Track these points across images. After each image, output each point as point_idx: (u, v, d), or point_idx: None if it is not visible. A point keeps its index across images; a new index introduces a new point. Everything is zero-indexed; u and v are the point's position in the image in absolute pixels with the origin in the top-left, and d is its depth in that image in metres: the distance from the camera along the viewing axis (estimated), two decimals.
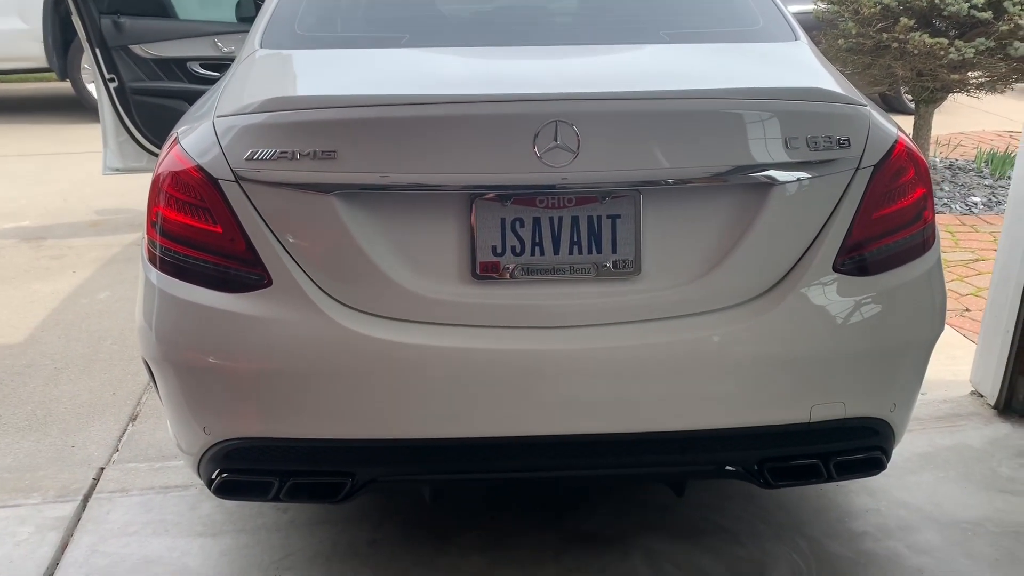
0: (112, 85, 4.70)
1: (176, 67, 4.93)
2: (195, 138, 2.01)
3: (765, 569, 2.31)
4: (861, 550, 2.38)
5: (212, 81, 5.14)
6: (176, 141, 2.07)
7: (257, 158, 1.90)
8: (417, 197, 1.91)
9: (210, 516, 2.53)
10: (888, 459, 2.11)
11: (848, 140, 1.95)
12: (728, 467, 2.03)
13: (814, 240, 1.96)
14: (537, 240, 1.92)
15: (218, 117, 1.99)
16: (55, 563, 2.34)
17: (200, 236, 1.97)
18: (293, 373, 1.92)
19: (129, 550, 2.39)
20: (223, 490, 2.07)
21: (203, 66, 5.00)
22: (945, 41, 5.18)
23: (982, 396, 3.12)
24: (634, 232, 1.92)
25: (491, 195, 1.89)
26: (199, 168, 1.96)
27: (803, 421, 1.97)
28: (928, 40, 5.18)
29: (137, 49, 4.76)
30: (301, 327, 1.90)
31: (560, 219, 1.92)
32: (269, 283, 1.92)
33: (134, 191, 5.91)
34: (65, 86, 8.75)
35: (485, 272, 1.91)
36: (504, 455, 1.96)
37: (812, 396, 1.96)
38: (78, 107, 8.47)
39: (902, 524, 2.48)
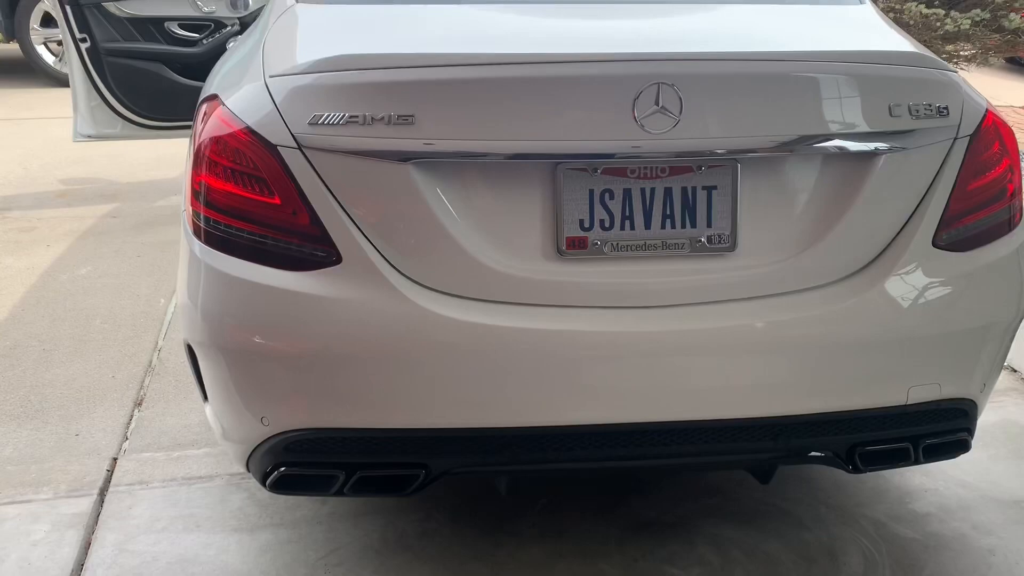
0: (84, 46, 4.40)
1: (153, 27, 4.64)
2: (244, 100, 1.83)
3: (835, 554, 2.23)
4: (928, 532, 2.31)
5: (191, 43, 4.89)
6: (218, 102, 1.88)
7: (323, 123, 1.72)
8: (500, 167, 1.75)
9: (242, 509, 2.36)
10: (972, 440, 2.04)
11: (947, 108, 1.85)
12: (818, 453, 1.94)
13: (912, 214, 1.86)
14: (627, 213, 1.78)
15: (272, 77, 1.80)
16: (80, 564, 2.16)
17: (255, 208, 1.79)
18: (366, 358, 1.76)
19: (160, 548, 2.21)
20: (280, 485, 1.90)
21: (182, 26, 4.73)
22: (941, 12, 5.15)
23: (1016, 371, 3.10)
24: (731, 205, 1.79)
25: (580, 164, 1.75)
26: (252, 133, 1.77)
27: (899, 404, 1.88)
28: (924, 10, 5.14)
29: (111, 7, 4.46)
30: (375, 308, 1.74)
31: (652, 190, 1.78)
32: (338, 260, 1.75)
33: (99, 159, 5.60)
34: (12, 48, 8.28)
35: (572, 248, 1.77)
36: (589, 444, 1.83)
37: (910, 377, 1.87)
38: (27, 71, 8.03)
39: (962, 504, 2.43)
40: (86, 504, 2.37)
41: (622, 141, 1.72)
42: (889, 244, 1.85)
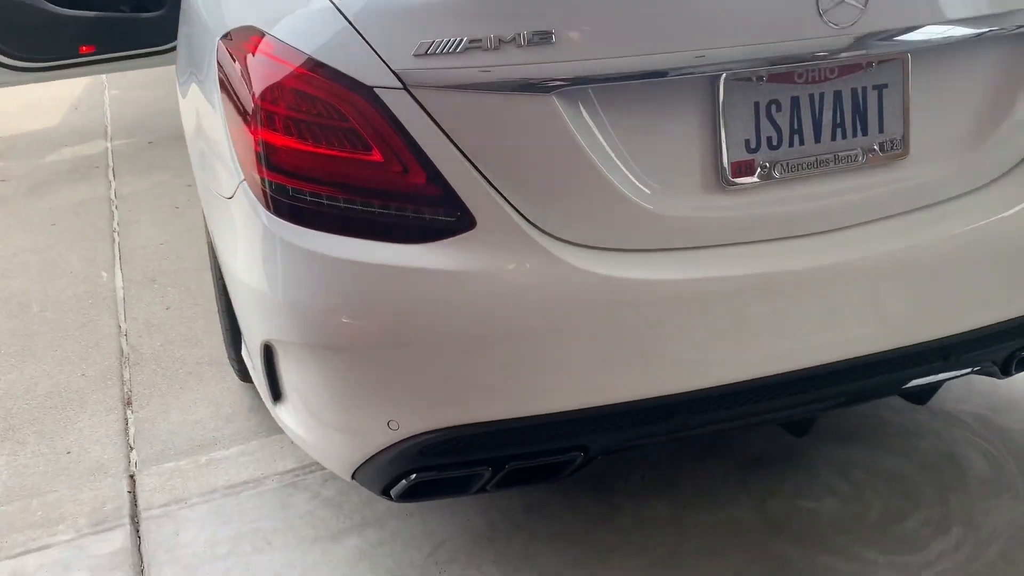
0: None
1: None
2: (309, 29, 1.44)
3: (956, 458, 2.14)
4: None
5: None
6: (260, 36, 1.48)
7: (436, 52, 1.36)
8: (652, 87, 1.44)
9: (312, 513, 2.03)
10: None
11: None
12: (980, 365, 1.79)
13: None
14: (796, 126, 1.52)
15: None
16: None
17: (350, 169, 1.42)
18: (518, 336, 1.45)
19: None
20: (410, 494, 1.61)
21: None
22: None
23: None
24: (902, 104, 1.56)
25: (745, 72, 1.46)
26: (333, 73, 1.39)
27: None
28: None
29: None
30: (525, 277, 1.43)
31: (821, 96, 1.52)
32: (471, 224, 1.42)
33: None
34: None
35: (738, 175, 1.50)
36: (768, 396, 1.61)
37: None
38: None
39: None
40: (121, 539, 1.98)
41: (799, 40, 1.44)
42: None
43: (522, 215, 1.43)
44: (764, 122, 1.50)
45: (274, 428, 2.30)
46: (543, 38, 1.36)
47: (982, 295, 1.66)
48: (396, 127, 1.39)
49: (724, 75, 1.45)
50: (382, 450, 1.54)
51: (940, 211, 1.62)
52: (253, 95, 1.46)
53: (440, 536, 1.95)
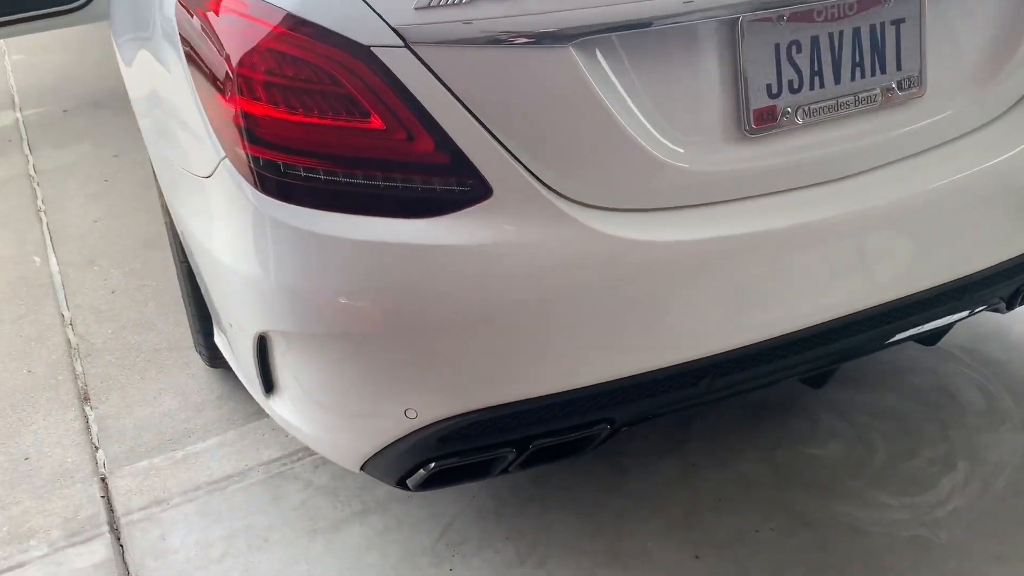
0: None
1: None
2: None
3: (953, 392, 2.14)
4: (1017, 349, 2.27)
5: None
6: None
7: (439, 3, 1.23)
8: (671, 33, 1.34)
9: (307, 503, 1.92)
10: None
11: None
12: (990, 303, 1.77)
13: None
14: (816, 68, 1.44)
15: None
16: None
17: (348, 139, 1.29)
18: (543, 311, 1.35)
19: None
20: (430, 483, 1.51)
21: None
22: None
23: None
24: (918, 39, 1.49)
25: (765, 12, 1.37)
26: (320, 31, 1.25)
27: None
28: None
29: None
30: (547, 247, 1.33)
31: (841, 34, 1.44)
32: (487, 193, 1.30)
33: None
34: None
35: (760, 123, 1.41)
36: (790, 352, 1.54)
37: None
38: None
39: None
40: (102, 549, 1.84)
41: None
42: None
43: (539, 180, 1.32)
44: (785, 65, 1.41)
45: (250, 416, 2.17)
46: None
47: (997, 231, 1.63)
48: (398, 90, 1.26)
49: (744, 17, 1.35)
50: (398, 439, 1.44)
51: (952, 149, 1.56)
52: (229, 61, 1.30)
53: (447, 517, 1.86)
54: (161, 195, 1.89)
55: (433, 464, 1.47)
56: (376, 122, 1.28)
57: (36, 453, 2.13)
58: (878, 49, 1.47)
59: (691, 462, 1.98)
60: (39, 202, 3.28)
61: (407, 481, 1.51)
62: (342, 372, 1.41)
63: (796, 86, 1.43)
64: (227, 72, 1.31)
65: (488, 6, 1.24)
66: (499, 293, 1.32)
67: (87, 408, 2.27)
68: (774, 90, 1.41)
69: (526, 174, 1.31)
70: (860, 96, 1.47)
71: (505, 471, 1.53)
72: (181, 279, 1.97)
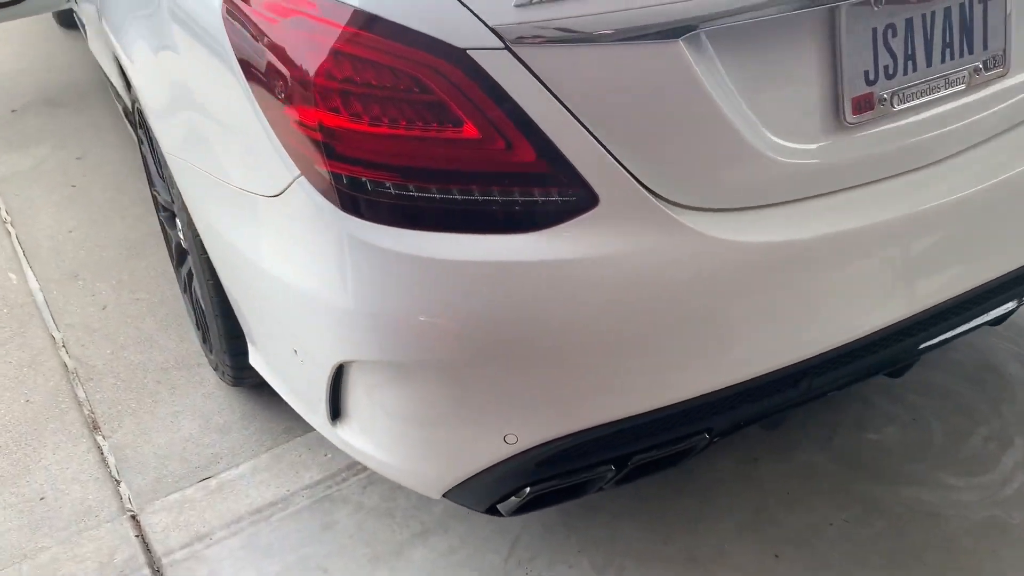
0: None
1: None
2: None
3: (994, 366, 2.13)
4: None
5: None
6: None
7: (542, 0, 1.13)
8: (774, 22, 1.26)
9: (362, 528, 1.81)
10: None
11: None
12: None
13: None
14: (909, 51, 1.38)
15: None
16: None
17: (439, 151, 1.19)
18: (652, 323, 1.27)
19: None
20: (525, 508, 1.42)
21: None
22: None
23: None
24: (1004, 16, 1.44)
25: None
26: (409, 34, 1.14)
27: None
28: None
29: None
30: (657, 256, 1.25)
31: (932, 15, 1.38)
32: (593, 201, 1.21)
33: None
34: None
35: (859, 112, 1.35)
36: (888, 344, 1.50)
37: None
38: None
39: None
40: None
41: None
42: None
43: (642, 184, 1.24)
44: (881, 50, 1.35)
45: (279, 435, 2.05)
46: None
47: None
48: (496, 95, 1.16)
49: (846, 2, 1.28)
50: (493, 465, 1.35)
51: None
52: (302, 70, 1.18)
53: (512, 533, 1.78)
54: (184, 209, 1.74)
55: (528, 489, 1.39)
56: (471, 131, 1.17)
57: (52, 492, 1.98)
58: (967, 28, 1.41)
59: (752, 456, 1.93)
60: (3, 213, 3.06)
61: (498, 507, 1.42)
62: (435, 400, 1.31)
63: (891, 71, 1.36)
64: (300, 82, 1.19)
65: (595, 1, 1.14)
66: (608, 307, 1.24)
67: (99, 437, 2.12)
68: (871, 76, 1.35)
69: (631, 179, 1.22)
70: (949, 78, 1.42)
71: (600, 489, 1.45)
72: (207, 297, 1.83)
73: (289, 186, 1.26)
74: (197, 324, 2.22)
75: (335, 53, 1.16)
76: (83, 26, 3.42)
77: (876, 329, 1.43)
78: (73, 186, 3.19)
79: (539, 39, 1.14)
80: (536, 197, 1.20)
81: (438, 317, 1.22)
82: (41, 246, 2.85)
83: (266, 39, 1.23)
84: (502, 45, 1.14)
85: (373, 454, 1.45)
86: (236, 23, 1.28)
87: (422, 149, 1.19)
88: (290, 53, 1.20)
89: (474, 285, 1.21)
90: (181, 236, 2.08)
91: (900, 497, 1.83)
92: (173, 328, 2.43)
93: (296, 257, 1.30)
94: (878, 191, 1.40)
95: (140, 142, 2.24)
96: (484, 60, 1.14)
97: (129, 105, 2.23)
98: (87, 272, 2.71)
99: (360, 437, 1.46)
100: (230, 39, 1.29)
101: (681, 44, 1.18)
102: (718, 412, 1.41)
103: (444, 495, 1.45)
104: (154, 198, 2.36)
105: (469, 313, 1.22)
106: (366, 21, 1.15)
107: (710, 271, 1.27)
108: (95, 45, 2.69)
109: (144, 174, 2.42)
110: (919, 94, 1.40)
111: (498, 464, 1.35)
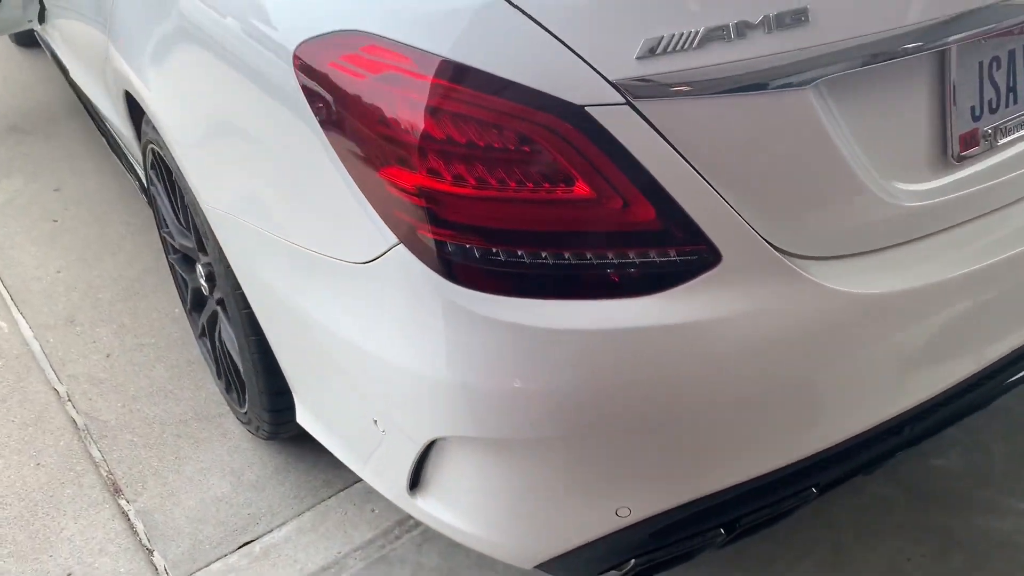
0: None
1: None
2: (474, 34, 1.07)
3: None
4: None
5: None
6: (384, 43, 1.11)
7: (665, 50, 1.05)
8: (883, 66, 1.19)
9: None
10: None
11: None
12: None
13: None
14: (1012, 83, 1.33)
15: None
16: None
17: (550, 214, 1.10)
18: (774, 386, 1.20)
19: None
20: None
21: None
22: None
23: None
24: None
25: (977, 30, 1.23)
26: (521, 91, 1.05)
27: None
28: None
29: None
30: (784, 313, 1.17)
31: None
32: (717, 259, 1.13)
33: None
34: None
35: (965, 148, 1.29)
36: (990, 378, 1.45)
37: None
38: None
39: None
40: None
41: None
42: None
43: (762, 236, 1.16)
44: (986, 84, 1.29)
45: (319, 489, 1.94)
46: (798, 18, 1.07)
47: None
48: (615, 152, 1.07)
49: (958, 37, 1.22)
50: (600, 538, 1.27)
51: None
52: (400, 129, 1.08)
53: None
54: (229, 267, 1.62)
55: (633, 560, 1.30)
56: (582, 189, 1.09)
57: (79, 566, 1.84)
58: None
59: None
60: None
61: None
62: (538, 474, 1.22)
63: (995, 105, 1.31)
64: (398, 144, 1.09)
65: (719, 49, 1.06)
66: (733, 369, 1.16)
67: (122, 502, 1.98)
68: (977, 112, 1.29)
69: (754, 233, 1.15)
70: None
71: (703, 551, 1.38)
72: (248, 353, 1.70)
73: (384, 254, 1.16)
74: (219, 374, 2.09)
75: (435, 111, 1.07)
76: (49, 47, 3.24)
77: (982, 368, 1.38)
78: (55, 221, 3.01)
79: (662, 93, 1.06)
80: (654, 258, 1.12)
81: (554, 391, 1.13)
82: (29, 289, 2.68)
83: (353, 97, 1.12)
84: (623, 101, 1.05)
85: (459, 526, 1.36)
86: (312, 80, 1.17)
87: (532, 212, 1.09)
88: (386, 113, 1.09)
89: (592, 356, 1.12)
90: (203, 284, 1.96)
91: (973, 526, 1.79)
92: (186, 376, 2.29)
93: (388, 327, 1.20)
94: (982, 228, 1.35)
95: (150, 182, 2.09)
96: (604, 117, 1.05)
97: (137, 144, 2.08)
98: (83, 316, 2.55)
99: (443, 508, 1.36)
100: (306, 97, 1.18)
101: (810, 92, 1.11)
102: (830, 465, 1.35)
103: (537, 567, 1.36)
104: (163, 239, 2.22)
105: (588, 386, 1.13)
106: (470, 77, 1.06)
107: (834, 322, 1.20)
108: (84, 77, 2.53)
109: (127, 204, 2.26)
110: (1015, 127, 1.35)
111: (606, 536, 1.26)
